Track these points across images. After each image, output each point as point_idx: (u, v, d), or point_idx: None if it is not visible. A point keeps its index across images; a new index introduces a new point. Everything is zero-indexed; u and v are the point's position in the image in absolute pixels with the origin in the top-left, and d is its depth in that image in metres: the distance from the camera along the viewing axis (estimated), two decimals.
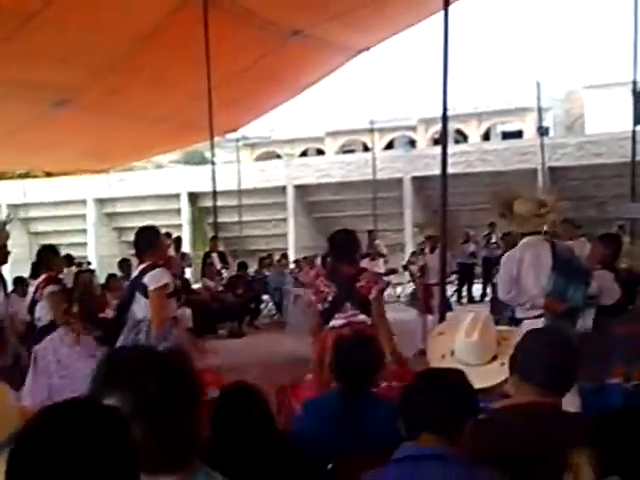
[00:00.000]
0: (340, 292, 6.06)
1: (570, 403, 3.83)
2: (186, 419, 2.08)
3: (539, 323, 6.00)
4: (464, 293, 20.11)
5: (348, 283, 6.09)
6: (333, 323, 6.03)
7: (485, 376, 3.59)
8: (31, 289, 7.97)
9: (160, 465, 2.04)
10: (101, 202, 32.06)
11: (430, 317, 11.67)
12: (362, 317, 6.02)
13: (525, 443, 2.76)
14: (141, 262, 6.63)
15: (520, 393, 3.09)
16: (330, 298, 6.06)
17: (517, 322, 6.36)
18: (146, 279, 6.39)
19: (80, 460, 1.55)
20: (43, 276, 7.76)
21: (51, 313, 7.34)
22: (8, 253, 7.51)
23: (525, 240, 6.67)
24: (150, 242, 6.71)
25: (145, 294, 6.39)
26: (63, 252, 10.10)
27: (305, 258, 20.44)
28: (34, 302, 7.71)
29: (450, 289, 19.10)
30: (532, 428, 2.83)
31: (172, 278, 6.80)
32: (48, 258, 8.04)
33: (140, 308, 6.43)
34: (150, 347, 2.33)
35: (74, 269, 14.64)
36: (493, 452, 2.80)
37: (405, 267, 18.62)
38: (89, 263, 23.45)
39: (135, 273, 6.62)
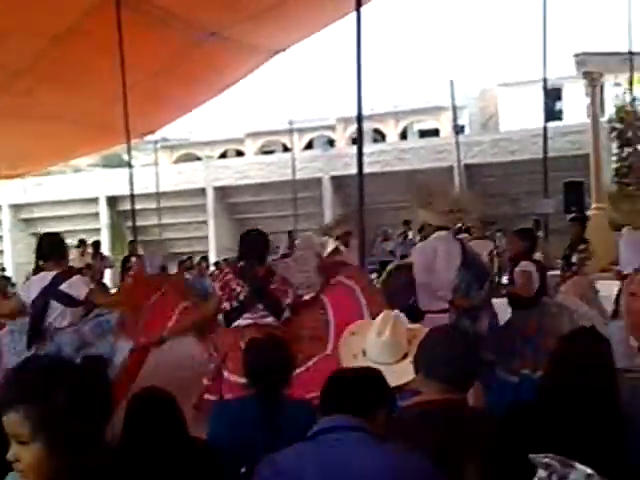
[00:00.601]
0: (252, 292, 5.96)
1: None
2: (92, 432, 2.07)
3: (442, 319, 6.10)
4: None
5: (261, 284, 6.01)
6: (238, 322, 5.93)
7: (397, 374, 3.63)
8: None
9: (54, 476, 2.03)
10: (17, 207, 31.47)
11: None
12: (270, 319, 5.94)
13: (430, 443, 2.80)
14: (44, 269, 6.48)
15: (426, 390, 3.13)
16: (241, 297, 5.95)
17: (418, 314, 6.43)
18: (67, 288, 6.28)
19: None
20: None
21: None
22: None
23: (437, 234, 6.83)
24: (54, 248, 6.58)
25: (63, 302, 6.29)
26: None
27: (226, 260, 20.38)
28: None
29: None
30: (436, 427, 2.88)
31: (90, 285, 6.73)
32: None
33: (58, 317, 6.31)
34: (61, 358, 2.29)
35: None
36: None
37: None
38: (3, 269, 22.97)
39: (44, 282, 6.36)
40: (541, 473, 2.06)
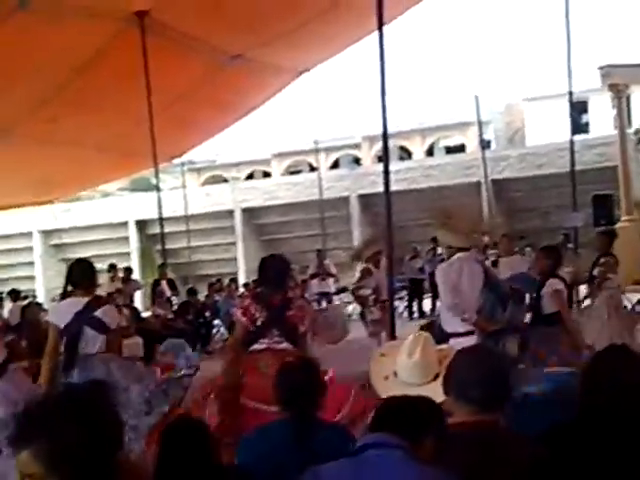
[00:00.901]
0: (269, 317, 5.97)
1: None
2: (105, 462, 2.07)
3: (469, 342, 6.04)
4: (414, 308, 20.22)
5: (277, 310, 6.01)
6: (254, 347, 5.96)
7: (428, 395, 3.61)
8: None
9: None
10: (47, 234, 31.73)
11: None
12: (284, 345, 5.94)
13: (461, 465, 2.77)
14: (71, 295, 6.55)
15: (457, 412, 3.10)
16: (259, 322, 5.97)
17: (445, 338, 6.39)
18: (101, 315, 6.35)
19: None
20: None
21: None
22: None
23: (459, 255, 6.79)
24: (84, 275, 6.64)
25: (97, 329, 6.34)
26: (10, 286, 9.95)
27: (255, 281, 20.39)
28: None
29: (401, 305, 19.25)
30: (468, 449, 2.85)
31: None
32: None
33: (91, 343, 6.35)
34: (68, 391, 2.28)
35: (19, 304, 14.46)
36: None
37: (353, 293, 18.46)
38: (34, 296, 23.15)
39: (77, 307, 6.41)
40: None
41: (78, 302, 6.44)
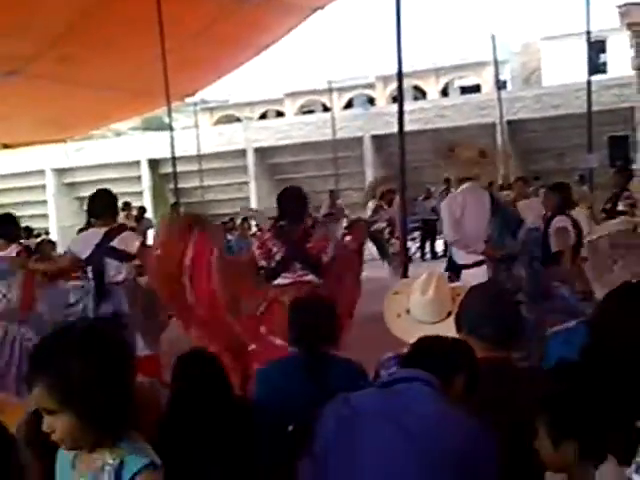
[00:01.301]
0: (289, 252, 5.97)
1: None
2: (115, 396, 2.10)
3: (479, 272, 6.06)
4: (427, 249, 20.23)
5: (297, 243, 6.01)
6: (278, 281, 5.95)
7: (441, 333, 3.62)
8: None
9: (92, 443, 2.13)
10: (60, 172, 31.76)
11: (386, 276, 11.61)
12: (310, 277, 5.95)
13: (475, 401, 2.80)
14: (93, 226, 6.65)
15: None
16: (278, 257, 5.97)
17: (457, 269, 6.40)
18: (118, 243, 6.42)
19: None
20: (15, 249, 7.54)
21: None
22: None
23: (465, 185, 6.75)
24: (105, 206, 6.70)
25: (117, 257, 6.43)
26: (23, 224, 9.95)
27: (274, 217, 20.38)
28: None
29: (413, 246, 19.25)
30: (482, 385, 2.85)
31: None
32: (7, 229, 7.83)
33: (112, 271, 6.45)
34: (76, 326, 2.32)
35: (34, 241, 14.52)
36: None
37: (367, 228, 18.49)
38: (47, 233, 23.25)
39: (96, 238, 6.51)
40: None
41: (97, 233, 6.53)
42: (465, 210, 6.66)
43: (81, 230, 6.95)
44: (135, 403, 2.20)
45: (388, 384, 2.76)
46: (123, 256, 6.44)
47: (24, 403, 2.80)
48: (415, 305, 3.94)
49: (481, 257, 6.57)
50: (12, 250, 7.36)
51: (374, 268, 12.80)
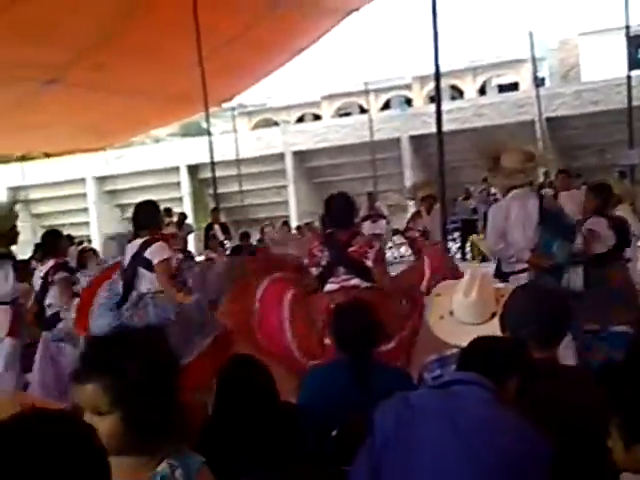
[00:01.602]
0: (333, 257, 5.96)
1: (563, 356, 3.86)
2: (165, 402, 2.12)
3: (523, 278, 5.96)
4: (467, 249, 20.12)
5: (341, 248, 5.99)
6: (327, 288, 5.93)
7: (485, 334, 3.59)
8: (38, 274, 7.88)
9: (137, 447, 2.10)
10: (101, 180, 32.07)
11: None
12: (355, 281, 5.91)
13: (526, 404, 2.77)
14: (138, 237, 6.65)
15: None
16: (324, 262, 5.97)
17: (504, 276, 6.32)
18: (148, 253, 6.44)
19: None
20: (51, 262, 7.59)
21: (61, 299, 7.35)
22: (17, 234, 7.84)
23: (512, 193, 6.60)
24: (149, 217, 6.74)
25: (148, 268, 6.45)
26: (65, 232, 10.06)
27: (307, 224, 20.43)
28: (45, 288, 7.56)
29: (454, 246, 19.16)
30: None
31: (173, 253, 6.84)
32: (54, 242, 7.89)
33: (144, 282, 6.49)
34: (130, 329, 2.30)
35: (75, 248, 14.64)
36: None
37: (403, 233, 18.52)
38: (89, 241, 23.49)
39: (134, 249, 6.58)
40: None
41: (136, 244, 6.58)
42: (509, 219, 6.53)
43: (129, 241, 7.03)
44: (181, 411, 2.22)
45: (445, 385, 2.75)
46: (149, 266, 6.48)
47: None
48: (458, 306, 3.90)
49: (525, 265, 6.44)
50: (49, 264, 7.54)
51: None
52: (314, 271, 6.07)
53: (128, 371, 2.03)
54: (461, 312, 3.88)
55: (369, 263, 6.01)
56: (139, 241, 6.59)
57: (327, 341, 5.62)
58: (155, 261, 6.43)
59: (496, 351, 2.84)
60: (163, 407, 2.10)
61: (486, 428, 2.52)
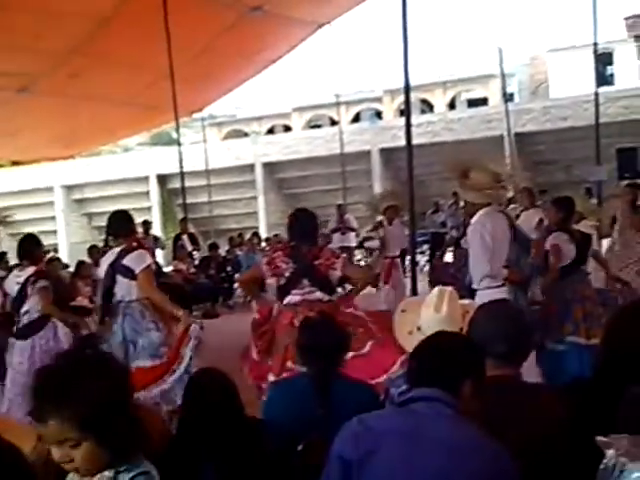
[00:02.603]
0: (298, 268, 6.01)
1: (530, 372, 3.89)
2: (127, 418, 2.10)
3: (495, 293, 5.95)
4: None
5: (307, 260, 6.05)
6: (289, 299, 5.98)
7: None
8: (14, 279, 7.77)
9: (112, 463, 2.09)
10: (69, 188, 31.81)
11: (392, 291, 11.53)
12: (318, 294, 5.97)
13: (485, 420, 2.73)
14: (112, 246, 6.70)
15: None
16: (287, 274, 6.00)
17: (471, 292, 6.29)
18: (128, 261, 6.45)
19: None
20: (31, 269, 7.42)
21: (45, 308, 7.24)
22: None
23: (484, 210, 6.47)
24: (123, 226, 6.77)
25: (127, 276, 6.46)
26: None
27: (276, 236, 20.40)
28: (23, 296, 7.42)
29: (422, 259, 19.21)
30: (492, 403, 2.82)
31: (152, 261, 6.87)
32: (31, 249, 7.70)
33: (121, 290, 6.50)
34: (75, 352, 2.27)
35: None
36: None
37: (361, 243, 18.58)
38: (56, 250, 23.30)
39: (111, 257, 6.61)
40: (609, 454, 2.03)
41: (113, 253, 6.62)
42: (496, 237, 6.34)
43: (96, 249, 7.08)
44: (141, 423, 2.20)
45: (404, 403, 2.70)
46: (130, 274, 6.47)
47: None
48: (428, 322, 3.90)
49: (499, 282, 6.35)
50: (29, 271, 7.47)
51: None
52: (273, 281, 6.08)
53: (87, 395, 2.00)
54: (430, 327, 3.81)
55: (337, 273, 6.08)
56: (116, 250, 6.60)
57: (289, 364, 5.67)
58: (138, 269, 6.44)
59: (450, 352, 2.77)
60: (128, 419, 2.09)
61: (452, 447, 2.49)
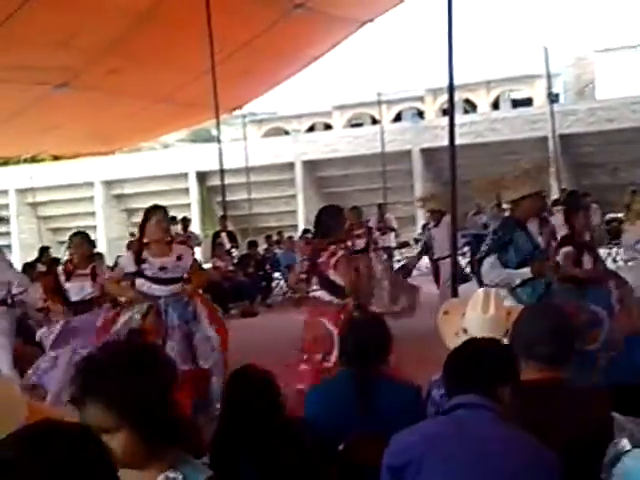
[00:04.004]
0: (310, 266, 6.34)
1: None
2: (167, 412, 2.13)
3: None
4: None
5: (313, 258, 6.35)
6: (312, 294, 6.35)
7: None
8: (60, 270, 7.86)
9: (145, 460, 2.12)
10: (109, 184, 32.01)
11: (437, 291, 11.86)
12: (319, 293, 6.33)
13: (533, 422, 2.73)
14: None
15: (525, 370, 3.05)
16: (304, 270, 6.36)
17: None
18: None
19: None
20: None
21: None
22: None
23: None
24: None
25: None
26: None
27: (307, 231, 20.25)
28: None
29: (463, 261, 18.96)
30: (538, 406, 2.86)
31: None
32: (82, 245, 7.95)
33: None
34: (122, 343, 2.32)
35: None
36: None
37: (417, 241, 18.65)
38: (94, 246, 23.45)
39: None
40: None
41: None
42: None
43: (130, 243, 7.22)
44: (185, 422, 2.27)
45: (449, 411, 2.70)
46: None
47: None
48: (474, 323, 3.90)
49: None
50: (89, 268, 7.57)
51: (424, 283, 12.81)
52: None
53: (128, 384, 2.03)
54: (477, 329, 3.84)
55: (331, 272, 6.29)
56: None
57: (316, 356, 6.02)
58: (125, 270, 6.61)
59: (485, 358, 2.77)
60: (166, 418, 2.11)
61: (499, 451, 2.50)
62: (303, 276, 6.36)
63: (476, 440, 2.51)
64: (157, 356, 2.25)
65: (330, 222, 6.43)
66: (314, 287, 6.25)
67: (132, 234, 19.20)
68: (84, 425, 1.72)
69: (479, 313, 3.89)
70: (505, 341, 3.63)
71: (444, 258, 12.15)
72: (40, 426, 1.62)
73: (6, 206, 33.18)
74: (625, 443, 2.50)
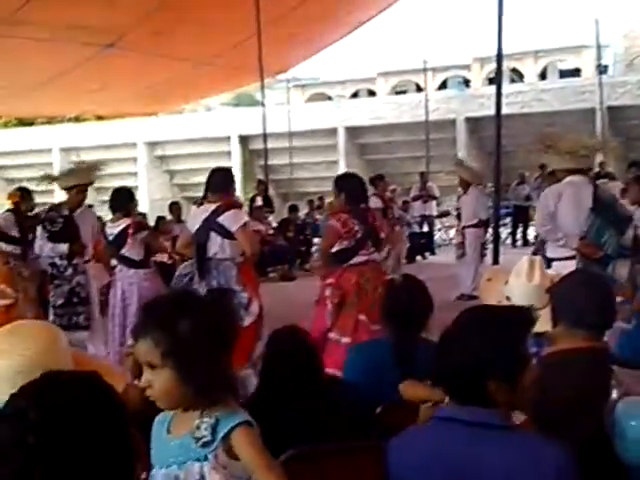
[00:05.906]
0: (365, 230, 6.45)
1: None
2: (215, 359, 2.22)
3: (568, 265, 5.80)
4: (518, 236, 19.80)
5: (370, 222, 6.54)
6: (354, 260, 6.41)
7: (543, 320, 3.46)
8: (110, 231, 7.86)
9: (188, 403, 2.23)
10: (151, 145, 32.10)
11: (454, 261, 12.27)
12: (376, 256, 6.54)
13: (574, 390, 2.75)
14: (208, 202, 6.84)
15: (569, 339, 3.04)
16: (359, 236, 6.42)
17: (547, 262, 6.12)
18: (224, 220, 6.60)
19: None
20: (128, 220, 7.71)
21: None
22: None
23: (568, 178, 6.55)
24: (222, 183, 6.93)
25: (221, 234, 6.62)
26: None
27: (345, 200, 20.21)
28: (120, 246, 7.70)
29: (504, 232, 18.81)
30: (582, 374, 2.85)
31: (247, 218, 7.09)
32: (124, 200, 7.99)
33: (214, 247, 6.66)
34: (188, 291, 2.42)
35: None
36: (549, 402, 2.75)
37: (441, 214, 18.91)
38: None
39: (205, 213, 6.75)
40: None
41: (208, 208, 6.77)
42: (560, 204, 6.53)
43: (198, 206, 7.40)
44: (231, 370, 2.32)
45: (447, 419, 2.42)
46: (225, 233, 6.61)
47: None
48: (520, 291, 3.84)
49: (572, 253, 6.36)
50: (122, 224, 7.57)
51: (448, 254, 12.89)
52: (346, 243, 6.43)
53: (179, 327, 2.15)
54: (522, 297, 3.76)
55: (382, 235, 6.71)
56: (210, 206, 6.74)
57: (360, 317, 6.21)
58: (234, 228, 6.59)
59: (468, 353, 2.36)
60: (213, 364, 2.19)
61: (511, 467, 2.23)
62: (352, 242, 6.49)
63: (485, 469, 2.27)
64: (216, 306, 2.38)
65: (362, 189, 6.81)
66: (371, 250, 6.52)
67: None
68: (94, 375, 1.76)
69: (524, 281, 3.84)
70: (546, 311, 3.54)
71: (470, 227, 12.16)
72: (50, 376, 1.70)
73: (50, 164, 33.49)
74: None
